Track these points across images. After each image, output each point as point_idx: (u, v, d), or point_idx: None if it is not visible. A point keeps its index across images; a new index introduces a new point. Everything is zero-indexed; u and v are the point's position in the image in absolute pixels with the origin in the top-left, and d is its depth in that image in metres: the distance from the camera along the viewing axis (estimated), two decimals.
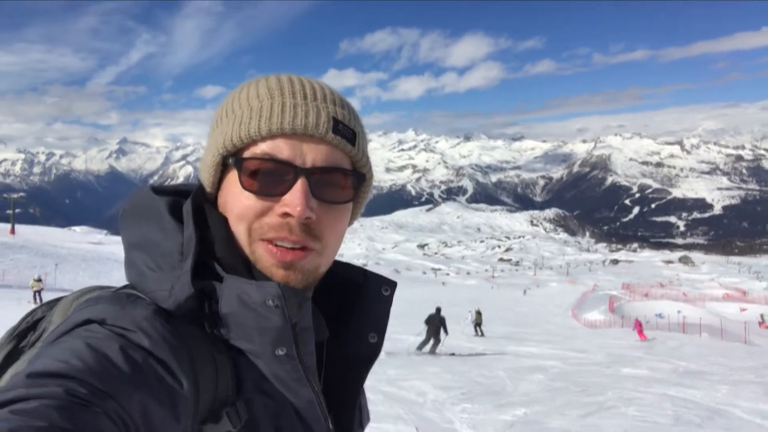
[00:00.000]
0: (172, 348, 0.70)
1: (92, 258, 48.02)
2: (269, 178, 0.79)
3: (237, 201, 0.81)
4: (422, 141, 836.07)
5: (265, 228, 0.79)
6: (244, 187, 0.79)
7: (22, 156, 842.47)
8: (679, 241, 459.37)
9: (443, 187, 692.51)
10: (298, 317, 0.77)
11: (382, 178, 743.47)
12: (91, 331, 0.69)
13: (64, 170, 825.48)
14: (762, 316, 50.18)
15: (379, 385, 9.70)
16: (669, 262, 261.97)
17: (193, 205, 0.83)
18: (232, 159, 0.81)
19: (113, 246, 60.88)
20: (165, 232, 0.81)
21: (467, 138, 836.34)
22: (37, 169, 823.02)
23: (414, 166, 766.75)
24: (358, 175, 0.86)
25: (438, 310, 17.55)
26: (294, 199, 0.77)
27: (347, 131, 0.83)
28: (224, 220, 0.83)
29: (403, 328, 28.43)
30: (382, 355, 13.06)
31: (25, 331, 0.80)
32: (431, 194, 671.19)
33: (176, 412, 0.67)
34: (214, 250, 0.81)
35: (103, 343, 0.66)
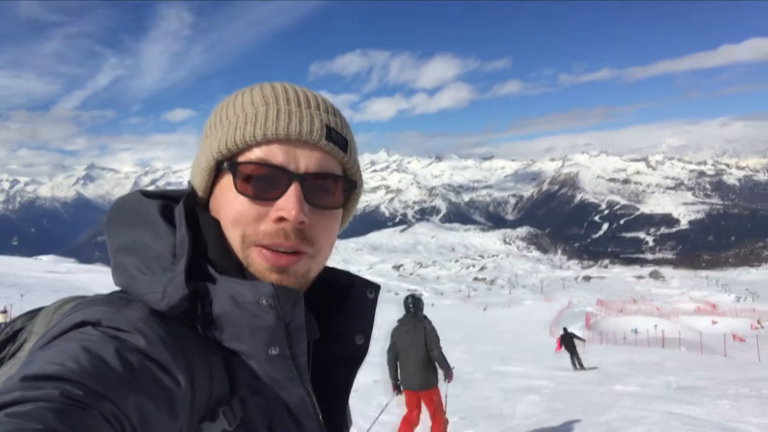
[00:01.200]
0: (169, 348, 0.70)
1: (60, 287, 46.31)
2: (263, 183, 0.80)
3: (231, 206, 0.82)
4: (394, 161, 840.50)
5: (260, 234, 0.80)
6: (239, 191, 0.80)
7: None
8: (649, 256, 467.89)
9: (417, 208, 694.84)
10: (291, 316, 0.78)
11: None
12: (85, 333, 0.68)
13: (29, 198, 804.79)
14: (759, 321, 51.33)
15: (370, 411, 9.28)
16: (640, 277, 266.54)
17: (185, 208, 0.84)
18: (226, 163, 0.82)
19: (81, 275, 59.11)
20: (157, 235, 0.81)
21: (439, 158, 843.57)
22: (0, 197, 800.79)
23: (387, 187, 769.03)
24: (350, 181, 0.89)
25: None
26: (288, 203, 0.79)
27: (340, 139, 0.85)
28: (216, 224, 0.84)
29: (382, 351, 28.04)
30: (369, 381, 12.53)
31: (4, 342, 0.80)
32: (405, 215, 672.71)
33: (173, 411, 0.67)
34: (206, 253, 0.82)
35: (99, 345, 0.66)
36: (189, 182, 0.91)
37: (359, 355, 0.95)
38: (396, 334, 7.15)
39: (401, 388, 7.14)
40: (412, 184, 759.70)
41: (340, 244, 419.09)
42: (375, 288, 0.96)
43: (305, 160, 0.82)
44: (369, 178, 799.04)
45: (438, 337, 7.02)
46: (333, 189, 0.85)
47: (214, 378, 0.76)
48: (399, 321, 7.27)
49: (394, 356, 7.11)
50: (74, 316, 0.71)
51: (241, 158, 0.82)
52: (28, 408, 0.55)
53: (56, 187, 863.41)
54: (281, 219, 0.79)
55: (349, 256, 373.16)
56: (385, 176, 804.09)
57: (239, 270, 0.82)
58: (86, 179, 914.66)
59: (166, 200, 0.87)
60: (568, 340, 17.57)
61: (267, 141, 0.81)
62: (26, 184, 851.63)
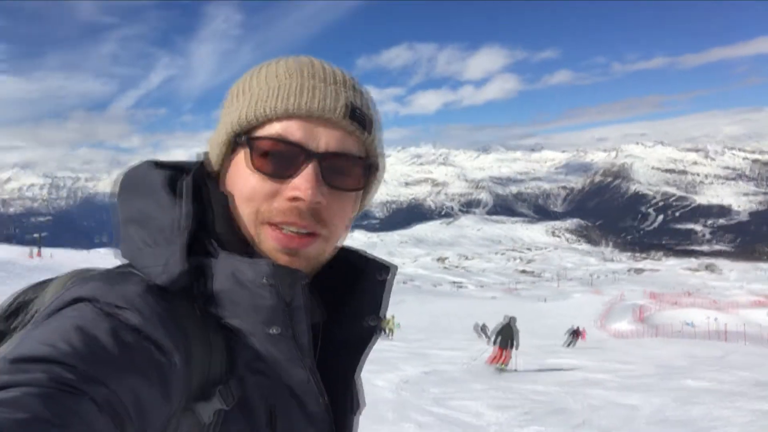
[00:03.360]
0: (165, 325, 0.68)
1: None
2: (280, 160, 0.78)
3: (245, 182, 0.79)
4: (440, 155, 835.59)
5: (273, 212, 0.78)
6: (254, 167, 0.78)
7: (48, 180, 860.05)
8: (705, 248, 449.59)
9: (462, 200, 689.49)
10: (291, 296, 0.76)
11: (400, 193, 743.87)
12: (79, 310, 0.66)
13: (89, 193, 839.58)
14: None
15: (425, 404, 8.87)
16: (694, 270, 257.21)
17: (193, 181, 0.81)
18: (243, 137, 0.80)
19: None
20: (161, 206, 0.78)
21: (485, 150, 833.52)
22: (62, 193, 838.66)
23: (432, 180, 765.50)
24: (371, 163, 0.85)
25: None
26: (304, 182, 0.76)
27: (363, 118, 0.82)
28: (226, 198, 0.82)
29: (431, 342, 27.66)
30: (419, 372, 12.03)
31: (16, 311, 0.78)
32: (450, 208, 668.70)
33: (168, 392, 0.65)
34: (212, 228, 0.80)
35: (92, 324, 0.64)
36: (204, 154, 0.89)
37: (369, 337, 0.92)
38: (504, 328, 16.53)
39: (497, 346, 16.00)
40: (457, 177, 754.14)
41: (386, 237, 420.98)
42: (387, 269, 0.93)
43: (325, 139, 0.79)
44: (414, 171, 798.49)
45: (518, 330, 16.45)
46: (352, 170, 0.82)
47: (213, 356, 0.74)
48: (506, 320, 17.12)
49: (496, 335, 16.49)
50: (70, 292, 0.69)
51: (259, 133, 0.79)
52: (14, 394, 0.53)
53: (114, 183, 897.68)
54: (296, 198, 0.77)
55: (393, 248, 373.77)
56: (431, 169, 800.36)
57: (245, 246, 0.80)
58: None
59: (177, 171, 0.84)
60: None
61: (287, 116, 0.78)
62: (86, 180, 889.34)
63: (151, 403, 0.63)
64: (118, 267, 0.79)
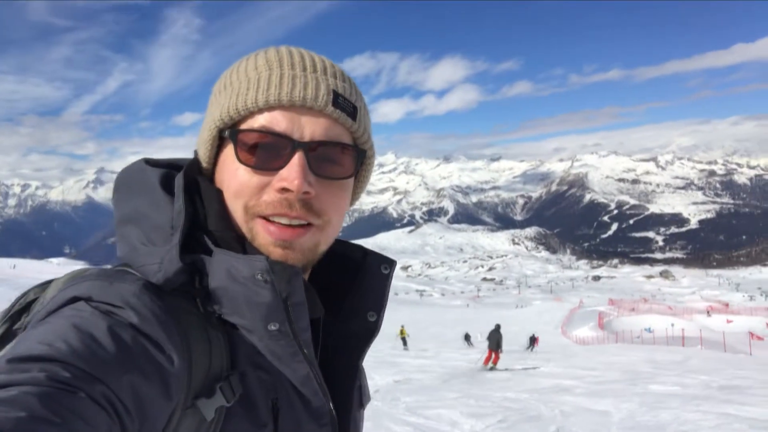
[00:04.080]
0: (162, 323, 0.68)
1: None
2: (266, 152, 0.77)
3: (233, 177, 0.79)
4: (402, 163, 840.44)
5: (263, 205, 0.77)
6: (240, 161, 0.78)
7: None
8: (659, 255, 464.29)
9: (424, 209, 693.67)
10: (289, 292, 0.75)
11: (362, 201, 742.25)
12: (76, 309, 0.66)
13: (40, 201, 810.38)
14: None
15: (399, 413, 8.72)
16: (650, 276, 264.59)
17: (186, 178, 0.81)
18: (227, 132, 0.79)
19: None
20: (156, 205, 0.78)
21: (447, 159, 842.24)
22: (12, 201, 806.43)
23: (395, 189, 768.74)
24: (359, 150, 0.84)
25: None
26: (291, 173, 0.75)
27: (348, 105, 0.81)
28: (219, 194, 0.81)
29: (398, 351, 27.59)
30: (390, 381, 11.84)
31: (19, 312, 0.77)
32: (413, 216, 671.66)
33: (168, 389, 0.65)
34: (207, 225, 0.80)
35: (89, 323, 0.64)
36: (195, 152, 0.88)
37: (371, 332, 0.92)
38: (492, 333, 18.64)
39: (489, 348, 17.84)
40: (420, 185, 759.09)
41: None
42: (390, 263, 0.93)
43: (310, 128, 0.78)
44: (377, 180, 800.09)
45: (502, 335, 18.79)
46: (341, 158, 0.81)
47: (214, 353, 0.74)
48: (495, 327, 19.47)
49: (488, 339, 18.53)
50: (67, 292, 0.70)
51: (243, 126, 0.79)
52: (12, 393, 0.53)
53: (67, 191, 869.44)
54: (284, 189, 0.76)
55: None
56: (393, 178, 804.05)
57: (240, 242, 0.79)
58: (96, 183, 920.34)
59: (172, 169, 0.84)
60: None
61: (269, 107, 0.78)
62: (37, 188, 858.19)
63: (151, 400, 0.63)
64: (116, 266, 0.79)
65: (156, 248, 0.75)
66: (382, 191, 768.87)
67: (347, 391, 0.91)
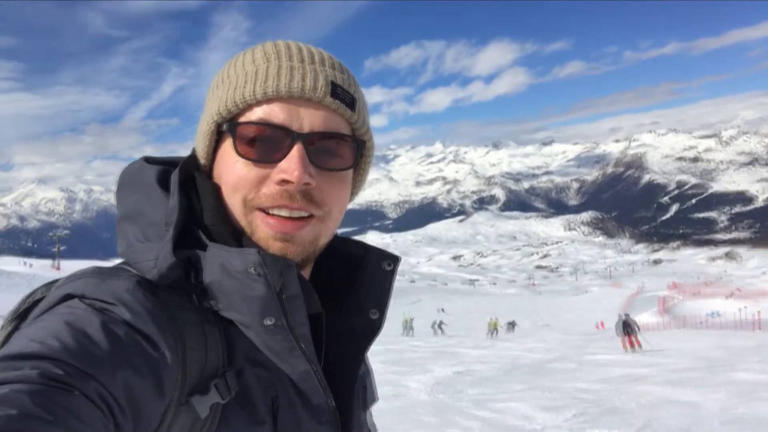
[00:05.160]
0: (156, 320, 0.68)
1: None
2: (264, 145, 0.77)
3: (231, 170, 0.78)
4: (450, 152, 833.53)
5: (262, 197, 0.77)
6: (239, 154, 0.77)
7: (64, 194, 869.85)
8: (723, 236, 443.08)
9: (475, 197, 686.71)
10: (282, 285, 0.74)
11: (412, 192, 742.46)
12: (69, 307, 0.66)
13: (104, 205, 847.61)
14: None
15: (465, 407, 8.51)
16: (714, 258, 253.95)
17: (182, 174, 0.81)
18: (225, 125, 0.79)
19: None
20: (152, 201, 0.78)
21: (496, 146, 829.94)
22: (78, 206, 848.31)
23: (444, 178, 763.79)
24: (358, 141, 0.84)
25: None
26: (291, 164, 0.75)
27: (346, 96, 0.80)
28: (216, 189, 0.81)
29: (456, 340, 27.25)
30: (451, 373, 11.29)
31: (26, 311, 0.77)
32: (463, 205, 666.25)
33: (161, 386, 0.65)
34: (203, 220, 0.80)
35: (82, 320, 0.64)
36: (193, 150, 0.88)
37: (373, 330, 0.90)
38: (624, 322, 20.65)
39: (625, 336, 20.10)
40: (469, 174, 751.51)
41: (399, 237, 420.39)
42: (393, 259, 0.91)
43: (309, 119, 0.77)
44: (425, 171, 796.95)
45: (634, 320, 21.19)
46: (340, 149, 0.81)
47: (209, 349, 0.73)
48: (625, 315, 22.11)
49: (621, 328, 20.53)
50: (61, 290, 0.70)
51: (241, 119, 0.78)
52: (4, 391, 0.53)
53: None
54: (284, 181, 0.76)
55: (407, 248, 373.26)
56: (442, 168, 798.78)
57: (236, 237, 0.79)
58: None
59: (170, 166, 0.84)
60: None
61: (267, 99, 0.77)
62: (101, 192, 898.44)
63: (144, 396, 0.63)
64: (114, 265, 0.79)
65: (152, 244, 0.75)
66: (431, 181, 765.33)
67: (350, 390, 0.90)
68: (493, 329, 34.57)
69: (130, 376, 0.62)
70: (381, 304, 0.90)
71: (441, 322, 37.68)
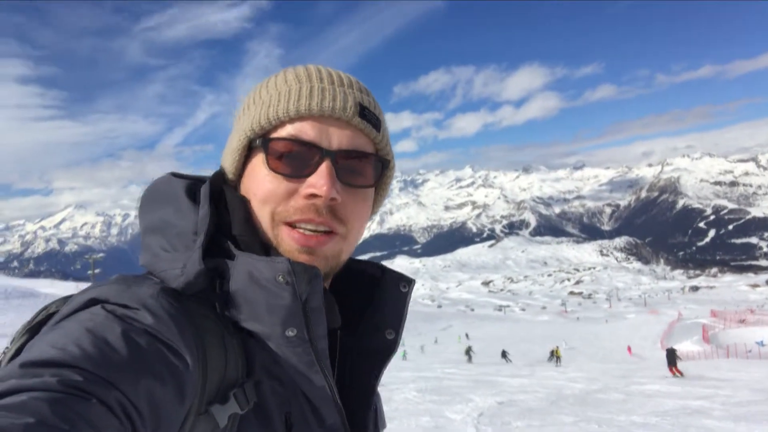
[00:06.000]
0: (178, 326, 0.69)
1: None
2: (295, 160, 0.80)
3: (261, 184, 0.82)
4: (480, 177, 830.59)
5: (290, 211, 0.80)
6: (270, 168, 0.80)
7: (101, 219, 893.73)
8: (764, 262, 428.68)
9: (504, 222, 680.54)
10: (308, 294, 0.76)
11: (441, 217, 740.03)
12: (92, 313, 0.66)
13: (139, 230, 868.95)
14: None
15: None
16: (755, 285, 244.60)
17: (211, 188, 0.84)
18: (259, 140, 0.83)
19: None
20: (181, 212, 0.80)
21: (526, 170, 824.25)
22: (114, 230, 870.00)
23: (473, 203, 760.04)
24: (383, 160, 0.88)
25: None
26: (320, 179, 0.78)
27: (372, 117, 0.85)
28: (245, 202, 0.84)
29: (494, 368, 26.53)
30: (493, 403, 10.67)
31: (39, 324, 0.77)
32: (492, 230, 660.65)
33: (182, 393, 0.65)
34: (231, 231, 0.82)
35: (104, 327, 0.64)
36: (220, 165, 0.91)
37: (389, 350, 0.92)
38: (669, 352, 24.22)
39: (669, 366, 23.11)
40: (499, 198, 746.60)
41: (428, 262, 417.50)
42: (408, 281, 0.94)
43: (337, 137, 0.81)
44: (454, 195, 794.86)
45: (675, 351, 24.34)
46: (365, 167, 0.85)
47: (229, 359, 0.74)
48: (671, 347, 25.51)
49: (667, 357, 23.81)
50: (85, 295, 0.71)
51: (273, 135, 0.82)
52: (22, 399, 0.53)
53: None
54: (312, 195, 0.79)
55: (437, 273, 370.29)
56: (471, 192, 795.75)
57: (264, 248, 0.82)
58: None
59: (197, 181, 0.87)
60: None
61: (299, 117, 0.81)
62: (136, 217, 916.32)
63: (165, 404, 0.63)
64: (136, 274, 0.80)
65: (178, 254, 0.77)
66: (461, 206, 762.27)
67: (365, 412, 0.91)
68: (556, 357, 35.11)
69: (151, 383, 0.62)
70: (397, 324, 0.92)
71: (470, 348, 37.60)
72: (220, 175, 0.89)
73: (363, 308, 0.93)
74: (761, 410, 10.53)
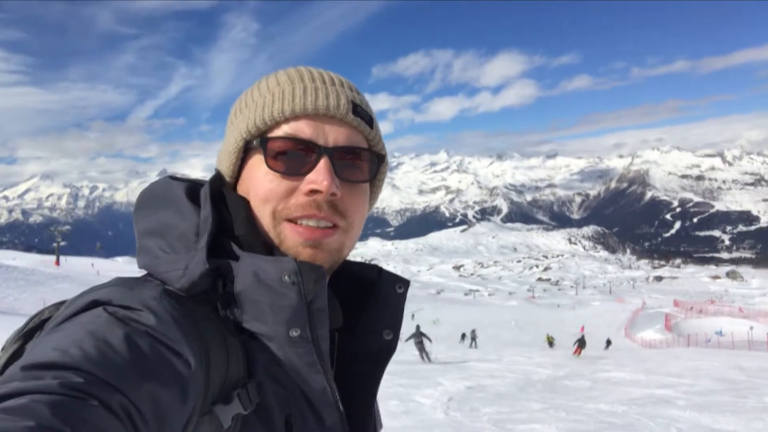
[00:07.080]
0: (181, 327, 0.69)
1: None
2: (294, 158, 0.82)
3: (261, 183, 0.83)
4: (454, 162, 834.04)
5: (291, 208, 0.81)
6: (270, 167, 0.81)
7: (68, 190, 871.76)
8: (725, 255, 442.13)
9: (477, 208, 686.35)
10: (314, 294, 0.77)
11: (415, 200, 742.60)
12: (94, 314, 0.66)
13: (107, 203, 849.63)
14: None
15: (484, 427, 7.96)
16: (716, 277, 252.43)
17: (211, 190, 0.84)
18: (256, 141, 0.84)
19: None
20: (181, 214, 0.81)
21: (500, 157, 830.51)
22: (81, 203, 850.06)
23: (447, 188, 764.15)
24: (378, 155, 0.90)
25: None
26: (319, 175, 0.80)
27: (365, 114, 0.88)
28: (245, 203, 0.85)
29: (462, 353, 26.69)
30: (462, 388, 10.55)
31: (32, 330, 0.76)
32: (465, 215, 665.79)
33: (185, 394, 0.65)
34: (233, 231, 0.82)
35: (106, 329, 0.63)
36: (216, 169, 0.92)
37: (387, 350, 0.93)
38: (581, 339, 29.84)
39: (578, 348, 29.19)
40: (472, 184, 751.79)
41: (401, 245, 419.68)
42: (404, 283, 0.95)
43: (333, 135, 0.83)
44: (429, 179, 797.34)
45: (583, 336, 30.64)
46: (361, 163, 0.87)
47: (231, 360, 0.74)
48: (582, 334, 31.45)
49: (578, 341, 29.62)
50: (86, 296, 0.70)
51: (270, 135, 0.83)
52: (23, 402, 0.52)
53: (131, 193, 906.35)
54: (313, 191, 0.80)
55: (409, 256, 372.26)
56: (445, 177, 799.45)
57: (267, 248, 0.82)
58: None
59: (195, 184, 0.88)
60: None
61: (295, 117, 0.83)
62: (104, 189, 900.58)
63: (168, 405, 0.63)
64: (138, 276, 0.80)
65: (179, 255, 0.77)
66: (434, 190, 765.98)
67: (364, 414, 0.92)
68: (550, 342, 38.70)
69: (153, 385, 0.62)
70: (394, 325, 0.93)
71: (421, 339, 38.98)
72: (219, 177, 0.90)
73: (359, 310, 0.93)
74: (723, 400, 10.72)
